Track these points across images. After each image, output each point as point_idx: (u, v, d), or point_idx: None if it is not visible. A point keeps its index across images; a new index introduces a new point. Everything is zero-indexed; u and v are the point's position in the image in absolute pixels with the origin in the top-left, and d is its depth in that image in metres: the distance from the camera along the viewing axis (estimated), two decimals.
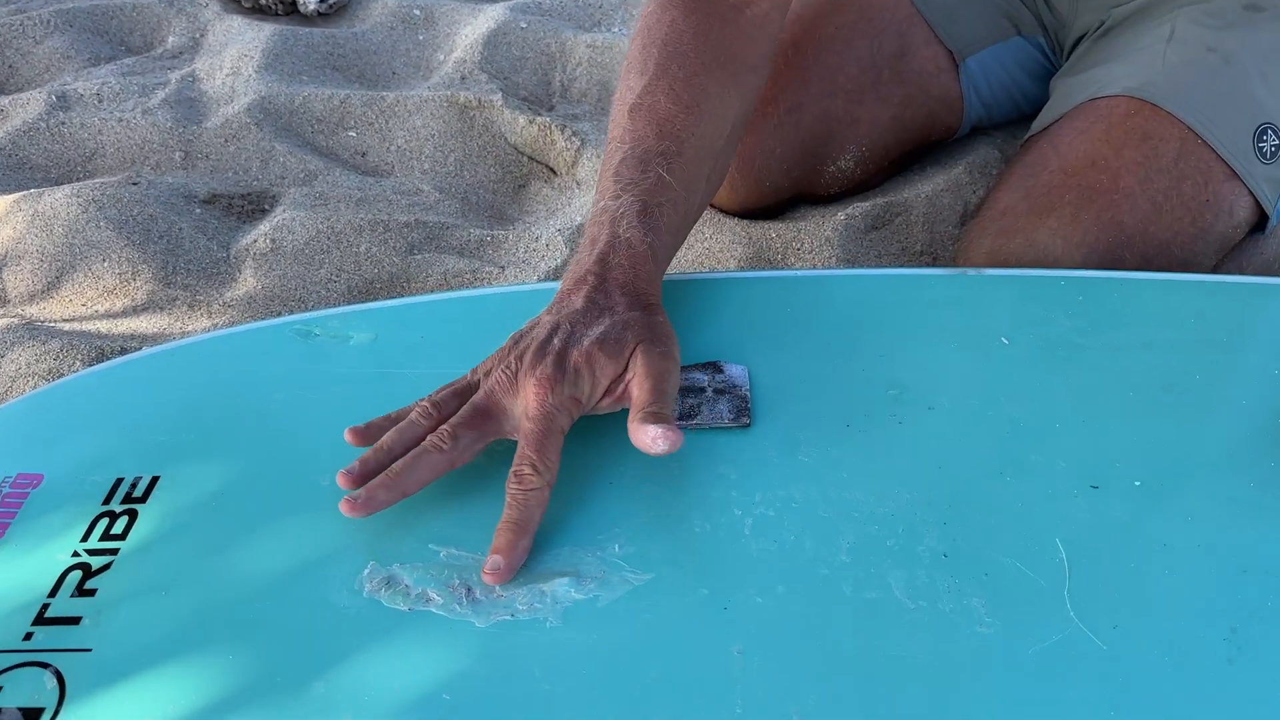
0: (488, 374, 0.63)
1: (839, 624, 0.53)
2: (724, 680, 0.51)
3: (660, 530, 0.59)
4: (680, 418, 0.64)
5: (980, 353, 0.69)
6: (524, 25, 1.31)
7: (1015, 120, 1.08)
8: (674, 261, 0.96)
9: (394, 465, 0.59)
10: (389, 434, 0.61)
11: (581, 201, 1.08)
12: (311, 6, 1.36)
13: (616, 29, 1.35)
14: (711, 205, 1.03)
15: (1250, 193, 0.84)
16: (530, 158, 1.17)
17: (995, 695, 0.50)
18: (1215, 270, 0.88)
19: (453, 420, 0.60)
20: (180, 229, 1.01)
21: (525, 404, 0.59)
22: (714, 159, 0.74)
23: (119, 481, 0.65)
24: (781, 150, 0.97)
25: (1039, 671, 0.51)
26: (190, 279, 0.98)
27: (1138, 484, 0.60)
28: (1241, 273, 0.90)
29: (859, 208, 0.98)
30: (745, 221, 0.99)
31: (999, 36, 1.03)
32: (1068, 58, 1.03)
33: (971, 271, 0.75)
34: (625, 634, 0.54)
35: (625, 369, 0.61)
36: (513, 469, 0.58)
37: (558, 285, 0.77)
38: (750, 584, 0.55)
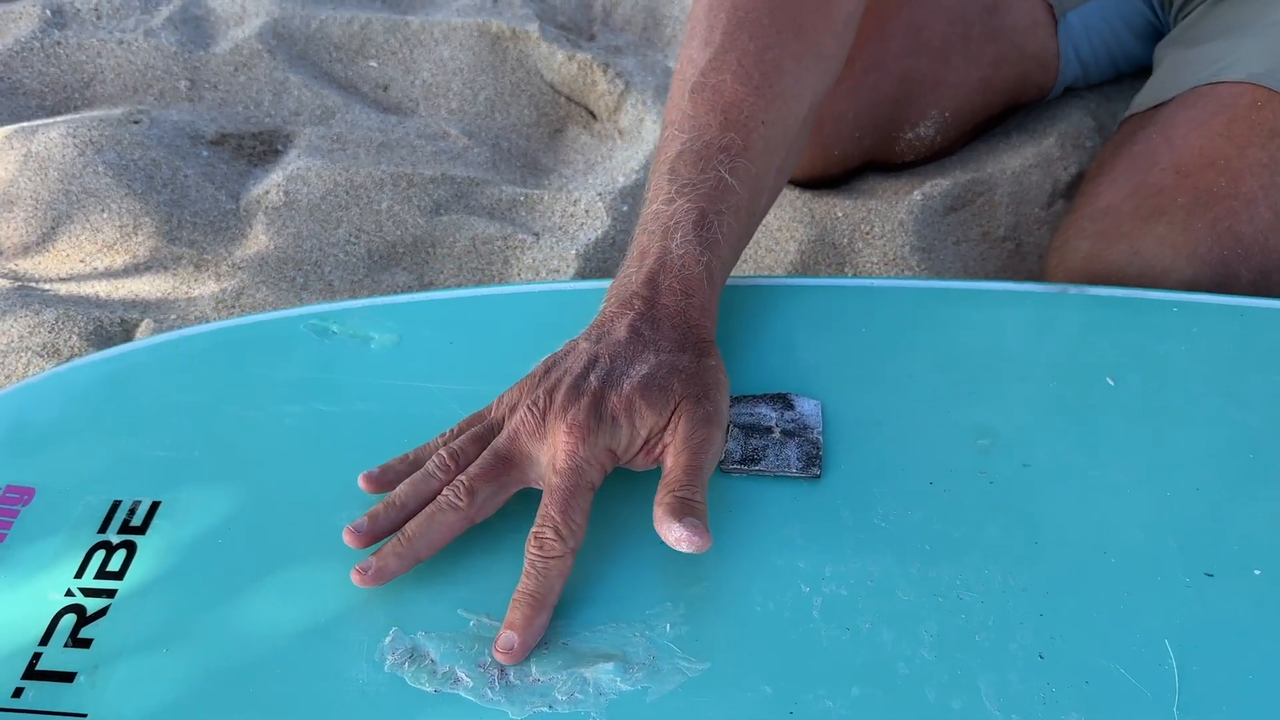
0: (513, 410, 0.55)
1: None
2: None
3: (717, 607, 0.52)
4: (742, 461, 0.57)
5: (1081, 395, 0.61)
6: None
7: (1112, 81, 0.98)
8: None
9: (407, 528, 0.52)
10: (402, 487, 0.54)
11: (624, 154, 0.99)
12: None
13: None
14: None
15: None
16: (568, 99, 1.07)
17: None
18: None
19: (470, 472, 0.53)
20: (186, 176, 0.93)
21: (553, 453, 0.52)
22: (786, 149, 0.65)
23: (116, 505, 0.59)
24: (855, 115, 0.87)
25: None
26: (196, 234, 0.90)
27: (1258, 573, 0.53)
28: None
29: (937, 185, 0.88)
30: (808, 194, 0.90)
31: None
32: (1178, 19, 0.91)
33: (1073, 290, 0.67)
34: None
35: (667, 424, 0.53)
36: (533, 530, 0.51)
37: (599, 284, 0.69)
38: (820, 682, 0.49)
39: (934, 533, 0.55)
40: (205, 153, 0.96)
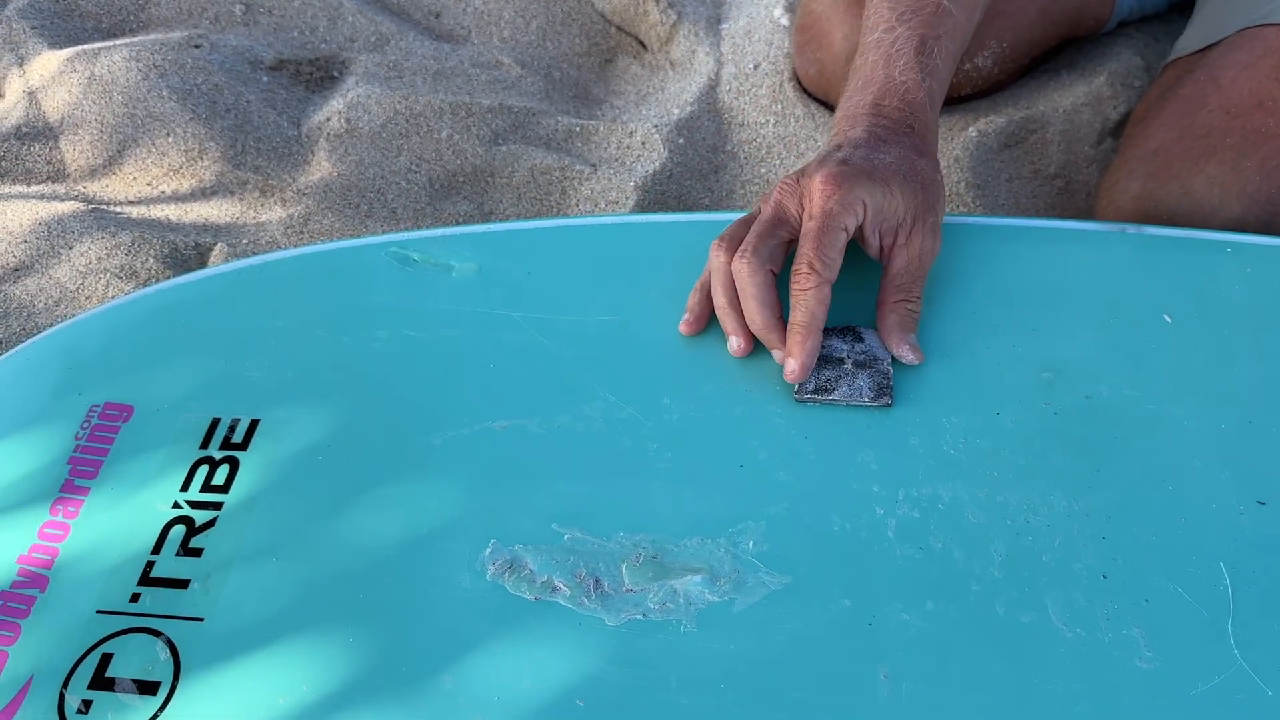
0: (770, 195, 0.61)
1: (993, 651, 0.51)
2: (870, 708, 0.49)
3: (797, 526, 0.55)
4: (816, 391, 0.60)
5: (1141, 331, 0.63)
6: None
7: (1162, 14, 0.98)
8: None
9: (720, 303, 0.61)
10: (696, 289, 0.63)
11: (676, 86, 1.00)
12: None
13: None
14: (827, 104, 0.94)
15: None
16: (619, 28, 1.07)
17: None
18: None
19: (747, 239, 0.60)
20: (248, 101, 0.94)
21: (809, 202, 0.59)
22: None
23: (215, 423, 0.62)
24: None
25: (1201, 717, 0.49)
26: (260, 160, 0.91)
27: None
28: None
29: (992, 122, 0.90)
30: None
31: None
32: None
33: (1131, 229, 0.69)
34: (765, 647, 0.51)
35: (906, 218, 0.60)
36: (792, 270, 0.58)
37: (671, 216, 0.72)
38: (896, 597, 0.52)
39: (1001, 460, 0.58)
40: (265, 78, 0.97)
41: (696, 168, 0.93)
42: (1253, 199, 0.74)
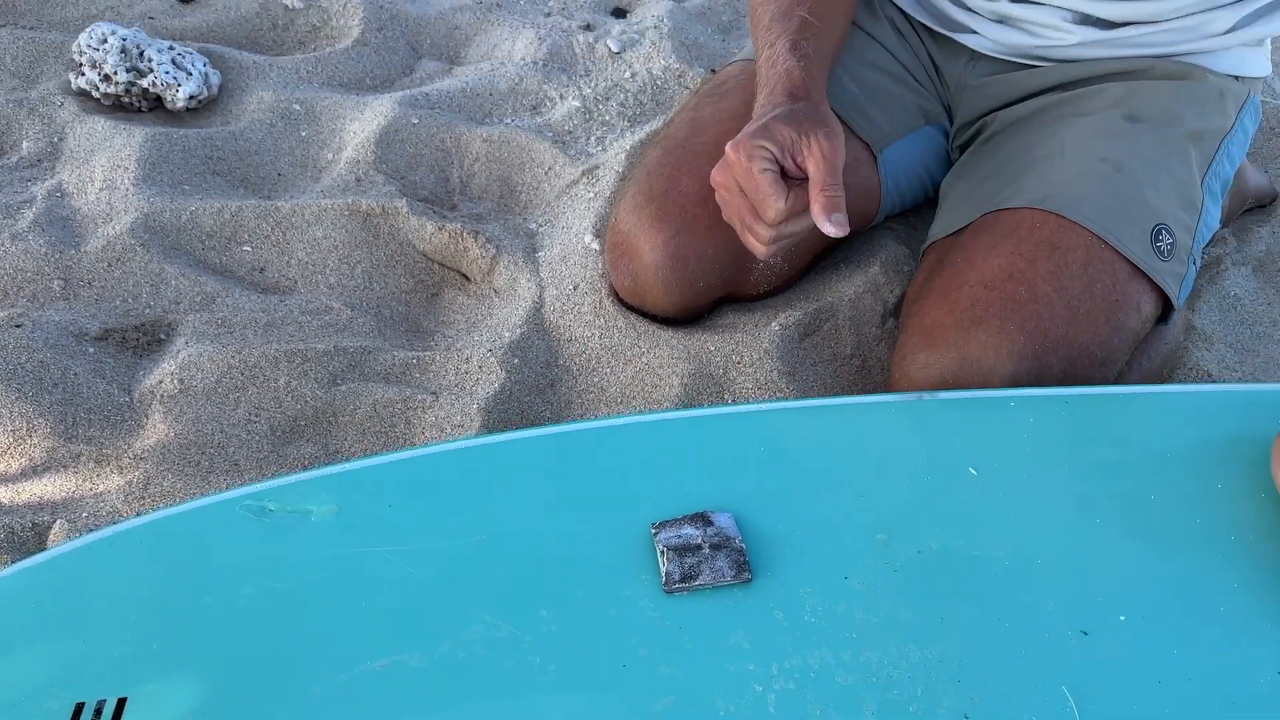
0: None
1: None
2: None
3: (686, 718, 0.58)
4: (681, 580, 0.64)
5: (952, 485, 0.71)
6: (415, 121, 1.27)
7: (920, 206, 1.13)
8: (623, 399, 0.96)
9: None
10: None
11: (504, 312, 1.06)
12: (180, 103, 1.28)
13: (509, 120, 1.33)
14: (644, 312, 1.03)
15: (1154, 288, 0.90)
16: (441, 264, 1.14)
17: None
18: (1129, 362, 0.94)
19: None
20: (75, 374, 0.93)
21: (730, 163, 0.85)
22: (845, 2, 0.98)
23: (80, 708, 0.59)
24: (714, 251, 0.98)
25: None
26: (93, 430, 0.90)
27: (1123, 619, 0.63)
28: (1151, 361, 0.97)
29: (790, 316, 1.00)
30: (681, 334, 0.99)
31: (912, 126, 1.07)
32: (956, 151, 1.08)
33: (926, 395, 0.78)
34: None
35: (802, 140, 0.82)
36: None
37: (520, 434, 0.76)
38: None
39: (858, 621, 0.62)
40: (91, 349, 0.97)
41: (533, 384, 0.98)
42: (1021, 356, 0.86)
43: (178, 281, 1.05)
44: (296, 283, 1.09)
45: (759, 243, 0.85)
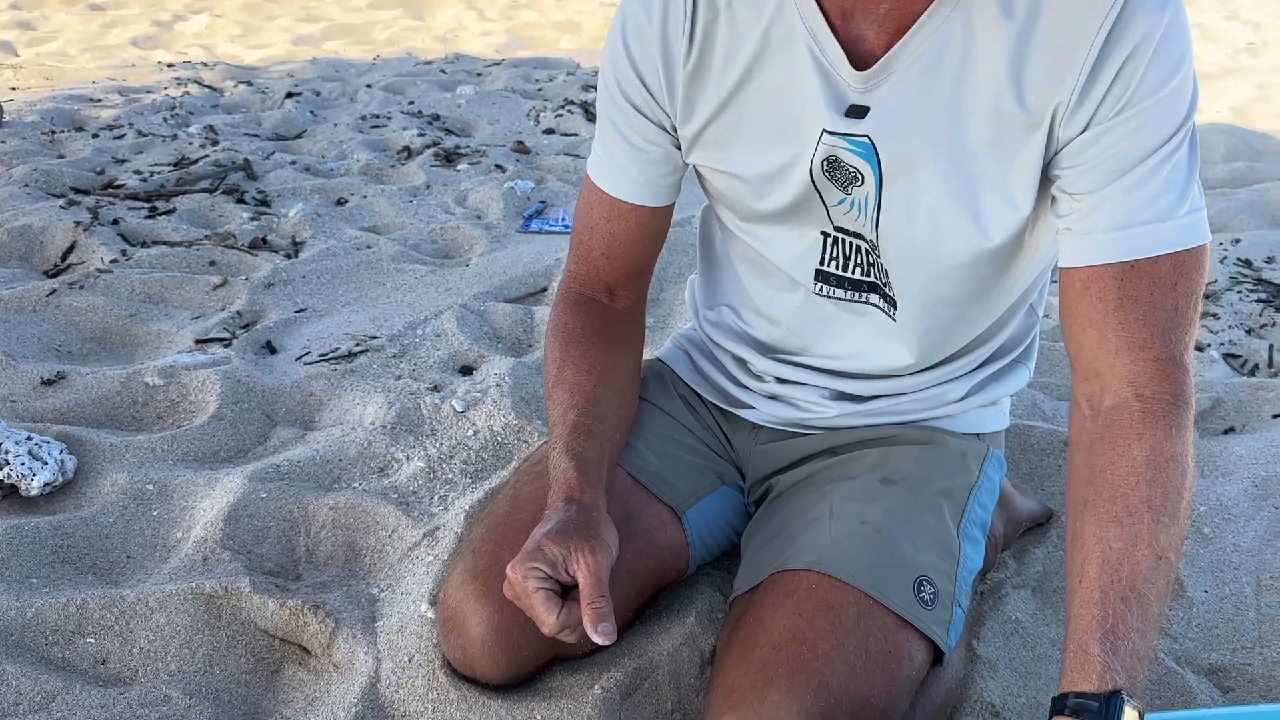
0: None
1: None
2: None
3: None
4: None
5: None
6: (264, 495, 1.36)
7: (733, 551, 1.24)
8: None
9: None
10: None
11: (341, 688, 1.11)
12: (35, 490, 1.35)
13: (357, 484, 1.43)
14: (475, 680, 1.09)
15: (923, 636, 1.02)
16: (283, 640, 1.19)
17: None
18: (912, 705, 1.03)
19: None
20: None
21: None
22: (620, 396, 1.14)
23: None
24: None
25: None
26: None
27: None
28: (933, 701, 1.06)
29: (612, 676, 1.07)
30: (510, 703, 1.05)
31: (710, 488, 1.21)
32: (747, 498, 1.22)
33: None
34: None
35: (571, 553, 0.95)
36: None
37: None
38: None
39: None
40: None
41: None
42: (810, 713, 0.94)
43: (17, 682, 1.08)
44: (138, 672, 1.13)
45: (549, 635, 0.96)
